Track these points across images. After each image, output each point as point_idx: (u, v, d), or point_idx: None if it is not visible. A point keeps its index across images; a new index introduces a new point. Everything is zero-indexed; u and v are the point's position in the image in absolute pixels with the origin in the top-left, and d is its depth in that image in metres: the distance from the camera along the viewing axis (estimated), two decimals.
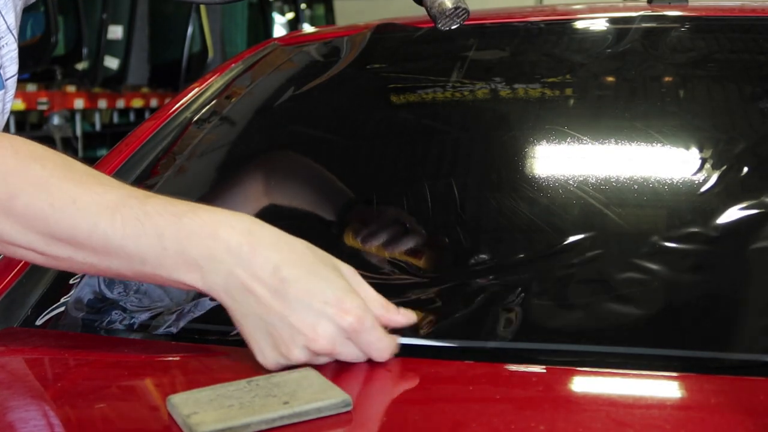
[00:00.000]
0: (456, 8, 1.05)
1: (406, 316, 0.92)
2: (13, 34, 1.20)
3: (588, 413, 0.83)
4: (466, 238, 1.12)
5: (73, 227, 0.87)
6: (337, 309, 0.85)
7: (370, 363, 0.91)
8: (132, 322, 1.07)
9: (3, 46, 1.19)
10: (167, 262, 0.86)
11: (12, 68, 1.20)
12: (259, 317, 0.86)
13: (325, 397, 0.81)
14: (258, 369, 0.90)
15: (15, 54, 1.20)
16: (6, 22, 1.19)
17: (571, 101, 1.39)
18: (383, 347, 0.89)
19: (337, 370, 0.90)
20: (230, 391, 0.84)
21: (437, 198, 1.18)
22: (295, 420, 0.79)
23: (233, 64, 1.70)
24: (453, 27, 1.07)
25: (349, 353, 0.88)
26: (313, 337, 0.85)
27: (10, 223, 0.89)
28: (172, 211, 0.87)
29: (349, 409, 0.81)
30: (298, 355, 0.86)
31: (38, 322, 1.11)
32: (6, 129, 1.27)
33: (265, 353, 0.87)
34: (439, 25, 1.07)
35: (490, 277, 1.05)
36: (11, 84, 1.22)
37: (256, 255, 0.86)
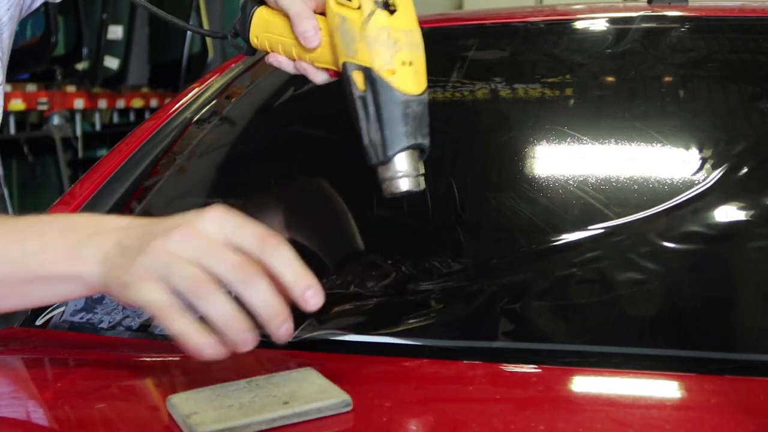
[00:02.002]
0: (408, 191, 1.02)
1: None
2: None
3: (588, 413, 0.83)
4: (466, 238, 1.12)
5: None
6: (177, 225, 0.78)
7: (370, 363, 0.91)
8: (132, 321, 1.07)
9: None
10: (47, 259, 0.83)
11: None
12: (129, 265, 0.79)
13: (325, 397, 0.81)
14: (259, 369, 0.90)
15: (0, 64, 1.19)
16: None
17: (571, 101, 1.39)
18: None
19: (336, 370, 0.90)
20: (230, 391, 0.84)
21: (437, 198, 1.18)
22: (295, 420, 0.79)
23: (233, 64, 1.70)
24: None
25: (178, 275, 0.76)
26: (144, 249, 0.78)
27: None
28: (56, 217, 0.90)
29: (349, 409, 0.81)
30: (130, 272, 0.78)
31: (38, 322, 1.11)
32: (6, 129, 1.26)
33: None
34: (386, 196, 1.03)
35: (490, 277, 1.05)
36: None
37: (134, 220, 0.84)
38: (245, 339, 0.76)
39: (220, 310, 0.74)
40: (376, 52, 0.97)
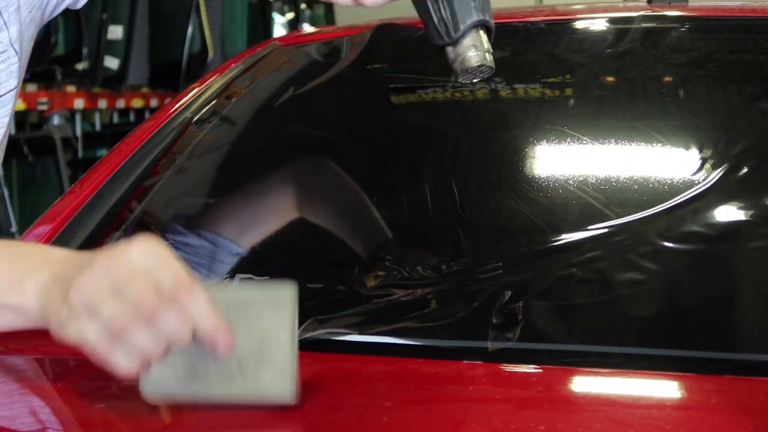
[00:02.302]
0: (480, 66, 1.02)
1: None
2: (14, 48, 1.19)
3: (588, 413, 0.83)
4: (467, 238, 1.12)
5: None
6: (101, 258, 0.80)
7: (370, 363, 0.91)
8: None
9: (3, 60, 1.18)
10: None
11: (10, 83, 1.19)
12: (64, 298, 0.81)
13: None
14: None
15: (15, 68, 1.19)
16: (9, 36, 1.18)
17: (571, 101, 1.39)
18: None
19: (336, 370, 0.90)
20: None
21: (437, 198, 1.18)
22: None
23: (233, 64, 1.70)
24: (474, 81, 1.05)
25: (106, 308, 0.77)
26: (71, 285, 0.79)
27: None
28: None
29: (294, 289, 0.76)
30: (63, 311, 0.80)
31: None
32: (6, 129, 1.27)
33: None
34: (460, 79, 1.04)
35: (490, 276, 1.05)
36: (9, 98, 1.21)
37: (77, 254, 0.85)
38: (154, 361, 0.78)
39: (142, 342, 0.77)
40: None
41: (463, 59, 1.00)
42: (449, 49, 1.01)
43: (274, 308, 0.80)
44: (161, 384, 0.80)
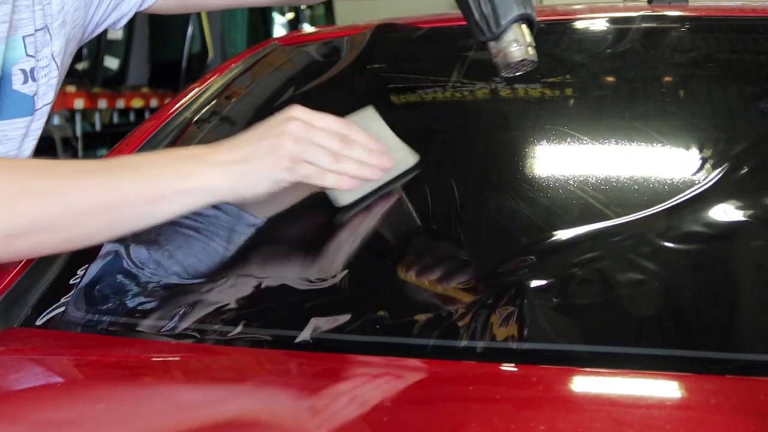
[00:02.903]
0: (522, 60, 1.02)
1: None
2: (56, 62, 1.20)
3: (588, 413, 0.83)
4: (466, 238, 1.12)
5: (84, 189, 1.03)
6: (285, 121, 1.08)
7: (370, 363, 0.91)
8: (132, 321, 1.07)
9: (45, 75, 1.19)
10: (171, 178, 1.05)
11: (48, 96, 1.21)
12: (253, 163, 1.07)
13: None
14: (258, 369, 0.90)
15: (54, 82, 1.22)
16: (52, 50, 1.19)
17: (571, 101, 1.39)
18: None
19: (337, 370, 0.90)
20: None
21: (437, 198, 1.18)
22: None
23: (233, 64, 1.70)
24: (516, 74, 1.05)
25: (319, 155, 1.07)
26: (281, 143, 1.07)
27: (23, 210, 1.00)
28: (159, 151, 1.16)
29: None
30: (285, 161, 1.07)
31: (38, 322, 1.11)
32: None
33: (270, 177, 1.08)
34: (502, 74, 1.05)
35: (491, 276, 1.05)
36: (45, 111, 1.22)
37: (224, 141, 1.10)
38: (373, 174, 1.12)
39: (350, 166, 1.10)
40: None
41: (506, 54, 1.00)
42: (491, 44, 1.01)
43: (370, 119, 1.21)
44: (348, 194, 1.15)
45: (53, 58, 1.20)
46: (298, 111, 1.09)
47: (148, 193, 1.04)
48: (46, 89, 1.20)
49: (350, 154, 1.10)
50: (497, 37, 1.00)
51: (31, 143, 1.22)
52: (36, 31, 1.18)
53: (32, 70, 1.18)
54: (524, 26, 1.00)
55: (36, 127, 1.21)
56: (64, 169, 1.06)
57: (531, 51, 1.01)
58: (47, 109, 1.23)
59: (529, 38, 1.01)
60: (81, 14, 1.26)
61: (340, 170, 1.09)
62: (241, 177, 1.06)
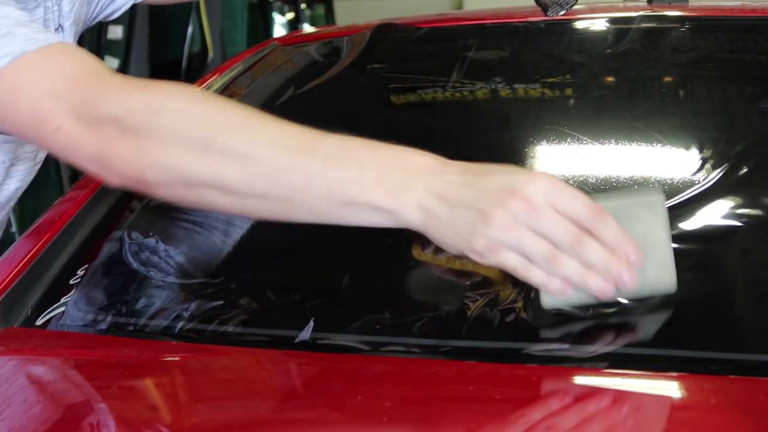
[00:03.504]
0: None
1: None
2: None
3: (588, 413, 0.83)
4: None
5: (273, 165, 0.90)
6: (511, 192, 0.86)
7: (369, 363, 0.91)
8: (132, 321, 1.07)
9: None
10: (365, 189, 0.89)
11: None
12: (453, 219, 0.88)
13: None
14: (258, 370, 0.90)
15: None
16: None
17: (571, 101, 1.39)
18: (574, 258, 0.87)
19: (337, 370, 0.90)
20: None
21: None
22: None
23: (233, 64, 1.70)
24: (560, 14, 1.05)
25: (532, 247, 0.86)
26: (486, 220, 0.86)
27: (208, 163, 0.90)
28: (368, 145, 0.92)
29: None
30: (481, 242, 0.86)
31: (38, 322, 1.11)
32: None
33: (459, 245, 0.89)
34: (549, 13, 1.05)
35: (490, 276, 1.05)
36: None
37: (447, 166, 0.90)
38: (600, 288, 0.88)
39: (572, 269, 0.87)
40: None
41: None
42: None
43: (649, 210, 0.91)
44: (555, 298, 0.90)
45: None
46: (543, 181, 0.87)
47: (339, 197, 0.90)
48: None
49: (582, 253, 0.86)
50: None
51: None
52: (54, 30, 1.20)
53: None
54: None
55: None
56: (262, 137, 0.92)
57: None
58: None
59: None
60: (84, 11, 1.28)
61: (555, 269, 0.87)
62: (432, 222, 0.89)
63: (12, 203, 1.31)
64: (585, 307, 0.93)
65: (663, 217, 0.91)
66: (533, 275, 0.87)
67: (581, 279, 0.87)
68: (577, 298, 0.90)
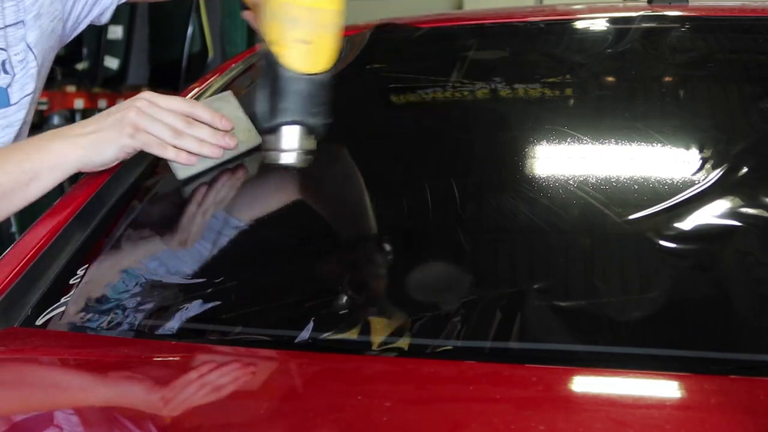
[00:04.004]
0: (284, 165, 1.07)
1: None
2: (33, 53, 1.25)
3: (588, 413, 0.83)
4: (466, 238, 1.12)
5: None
6: (135, 99, 1.20)
7: (370, 363, 0.91)
8: (132, 321, 1.07)
9: (22, 66, 1.23)
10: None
11: (28, 86, 1.25)
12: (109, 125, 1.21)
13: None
14: (259, 369, 0.90)
15: (33, 72, 1.26)
16: (27, 41, 1.23)
17: (571, 101, 1.39)
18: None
19: (337, 370, 0.90)
20: None
21: (437, 198, 1.18)
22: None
23: (233, 64, 1.70)
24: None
25: (161, 130, 1.19)
26: (127, 113, 1.19)
27: None
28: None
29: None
30: (127, 130, 1.19)
31: (38, 322, 1.11)
32: None
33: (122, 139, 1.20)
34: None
35: (491, 276, 1.05)
36: (27, 102, 1.27)
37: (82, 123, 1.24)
38: (212, 152, 1.22)
39: (190, 143, 1.21)
40: (271, 27, 1.00)
41: (271, 153, 1.05)
42: (266, 136, 1.06)
43: (223, 101, 1.28)
44: (187, 169, 1.23)
45: (30, 49, 1.25)
46: (145, 93, 1.22)
47: (21, 179, 1.19)
48: (26, 79, 1.25)
49: (192, 132, 1.20)
50: (269, 133, 1.09)
51: (11, 132, 1.26)
52: (7, 26, 1.26)
53: (3, 62, 1.22)
54: (300, 130, 1.04)
55: (18, 117, 1.26)
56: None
57: (299, 157, 1.09)
58: (29, 99, 1.27)
59: (297, 145, 1.08)
60: (58, 7, 1.31)
61: (180, 145, 1.19)
62: (90, 145, 1.19)
63: None
64: (211, 169, 1.24)
65: (234, 102, 1.29)
66: (167, 152, 1.20)
67: (199, 149, 1.20)
68: (201, 165, 1.22)
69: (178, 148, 1.20)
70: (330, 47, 1.01)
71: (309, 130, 1.04)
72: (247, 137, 1.27)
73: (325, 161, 1.25)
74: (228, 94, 1.31)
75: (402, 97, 1.47)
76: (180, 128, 1.20)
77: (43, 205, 1.28)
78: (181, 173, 1.24)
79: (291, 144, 1.05)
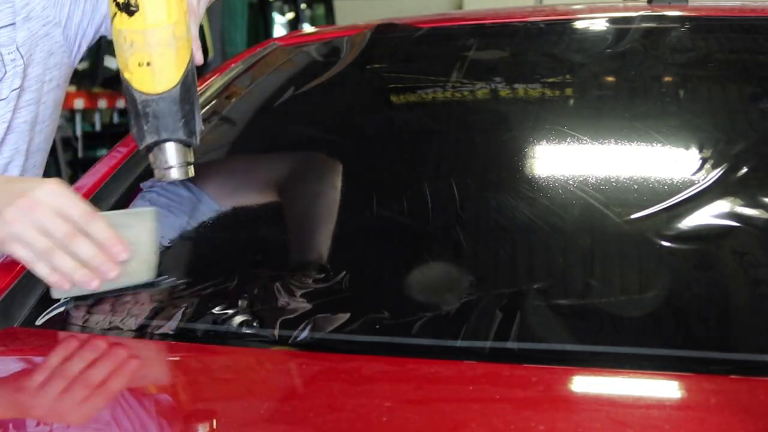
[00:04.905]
0: (159, 180, 1.08)
1: None
2: (20, 52, 1.29)
3: (588, 413, 0.83)
4: (466, 238, 1.12)
5: None
6: (21, 194, 1.03)
7: (370, 363, 0.91)
8: (132, 321, 1.07)
9: (11, 65, 1.27)
10: None
11: (15, 82, 1.29)
12: None
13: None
14: (258, 369, 0.90)
15: (20, 71, 1.29)
16: (16, 40, 1.28)
17: (571, 101, 1.39)
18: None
19: (337, 370, 0.90)
20: None
21: (437, 198, 1.18)
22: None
23: (233, 64, 1.70)
24: None
25: (33, 240, 1.02)
26: (1, 215, 1.03)
27: None
28: None
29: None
30: None
31: (38, 322, 1.11)
32: None
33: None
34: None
35: (491, 276, 1.05)
36: (13, 97, 1.30)
37: None
38: (85, 281, 1.04)
39: (65, 264, 1.03)
40: (118, 54, 1.03)
41: (154, 171, 1.08)
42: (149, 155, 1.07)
43: (138, 219, 1.12)
44: (62, 291, 1.07)
45: (17, 49, 1.28)
46: (50, 185, 1.04)
47: None
48: (13, 78, 1.30)
49: (73, 248, 1.03)
50: (148, 152, 1.07)
51: (2, 127, 1.28)
52: (2, 27, 1.28)
53: None
54: (172, 147, 1.05)
55: (6, 110, 1.30)
56: None
57: (172, 174, 1.09)
58: (16, 93, 1.31)
59: (169, 162, 1.06)
60: (51, 12, 1.33)
61: (52, 264, 1.03)
62: None
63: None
64: (88, 296, 1.09)
65: (150, 225, 1.11)
66: (38, 269, 1.03)
67: (72, 273, 1.03)
68: (78, 289, 1.06)
69: (50, 266, 1.04)
70: (174, 62, 1.02)
71: (182, 144, 1.05)
72: (139, 269, 1.10)
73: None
74: (150, 212, 1.14)
75: (402, 97, 1.47)
76: (60, 240, 1.02)
77: None
78: (55, 293, 1.08)
79: (168, 162, 1.05)
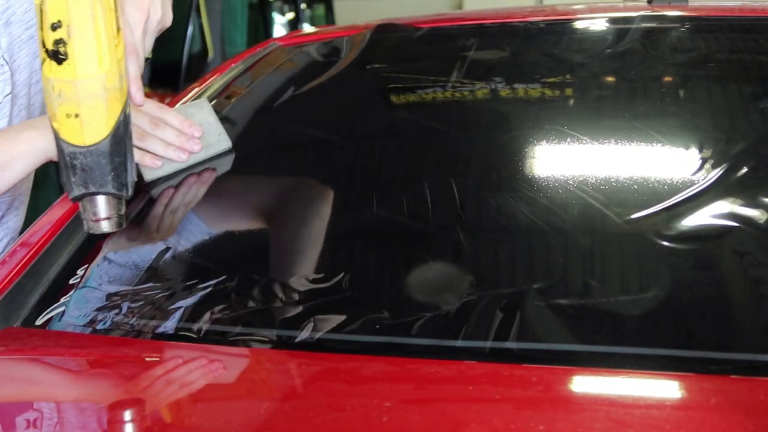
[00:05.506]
0: (87, 232, 1.06)
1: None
2: (4, 58, 1.28)
3: (588, 413, 0.83)
4: (466, 238, 1.12)
5: None
6: None
7: (370, 363, 0.91)
8: (132, 321, 1.07)
9: (3, 72, 1.26)
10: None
11: (7, 88, 1.28)
12: None
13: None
14: (258, 369, 0.90)
15: (7, 77, 1.29)
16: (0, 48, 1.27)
17: (571, 101, 1.39)
18: None
19: (337, 370, 0.90)
20: None
21: (437, 198, 1.18)
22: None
23: (233, 64, 1.70)
24: None
25: None
26: None
27: None
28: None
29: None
30: None
31: (38, 322, 1.11)
32: None
33: None
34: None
35: (491, 276, 1.05)
36: (5, 103, 1.30)
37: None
38: (176, 156, 1.27)
39: (155, 145, 1.25)
40: (47, 103, 0.99)
41: (83, 222, 1.06)
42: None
43: (198, 107, 1.35)
44: (153, 171, 1.27)
45: (1, 55, 1.27)
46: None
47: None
48: (2, 84, 1.31)
49: (158, 134, 1.24)
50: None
51: None
52: None
53: None
54: (101, 200, 1.02)
55: (1, 115, 1.29)
56: None
57: (102, 226, 1.05)
58: (7, 100, 1.30)
59: (99, 214, 1.03)
60: (33, 16, 1.32)
61: (145, 147, 1.23)
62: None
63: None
64: (180, 172, 1.28)
65: (208, 108, 1.35)
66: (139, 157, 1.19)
67: (164, 151, 1.25)
68: (167, 168, 1.27)
69: (143, 150, 1.23)
70: (104, 114, 0.97)
71: (112, 196, 1.02)
72: (217, 141, 1.32)
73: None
74: (202, 101, 1.37)
75: (402, 97, 1.48)
76: (146, 130, 1.23)
77: (42, 205, 1.28)
78: (148, 175, 1.26)
79: (98, 214, 1.02)
